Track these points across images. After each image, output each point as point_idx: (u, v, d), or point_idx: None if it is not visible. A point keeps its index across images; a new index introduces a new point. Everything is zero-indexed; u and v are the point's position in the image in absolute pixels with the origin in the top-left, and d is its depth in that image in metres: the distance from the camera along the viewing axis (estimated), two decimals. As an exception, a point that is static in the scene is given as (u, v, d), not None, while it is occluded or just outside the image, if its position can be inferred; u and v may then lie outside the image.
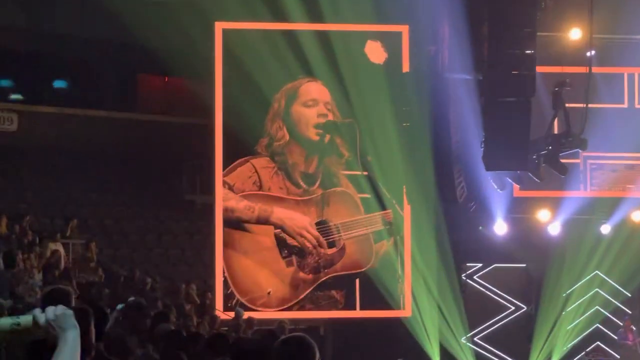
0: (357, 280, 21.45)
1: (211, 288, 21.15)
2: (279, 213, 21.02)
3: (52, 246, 20.67)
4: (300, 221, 21.13)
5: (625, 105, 23.30)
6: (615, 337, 23.75)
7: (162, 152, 25.78)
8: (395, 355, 22.21)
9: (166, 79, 27.21)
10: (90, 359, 5.31)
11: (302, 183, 21.27)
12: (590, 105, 15.36)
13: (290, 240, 21.06)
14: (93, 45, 25.81)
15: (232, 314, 19.70)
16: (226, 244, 21.00)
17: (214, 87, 21.29)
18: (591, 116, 16.11)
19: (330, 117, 21.37)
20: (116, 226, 24.66)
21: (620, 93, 23.18)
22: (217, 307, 20.23)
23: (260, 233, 21.09)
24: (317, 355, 4.75)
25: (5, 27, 24.92)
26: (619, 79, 23.12)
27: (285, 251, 21.11)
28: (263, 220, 20.95)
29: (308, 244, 21.06)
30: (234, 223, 20.96)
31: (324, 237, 21.29)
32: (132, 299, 16.13)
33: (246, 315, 19.12)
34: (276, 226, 20.98)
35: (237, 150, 21.23)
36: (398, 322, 21.73)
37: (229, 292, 20.80)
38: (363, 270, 21.42)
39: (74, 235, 22.24)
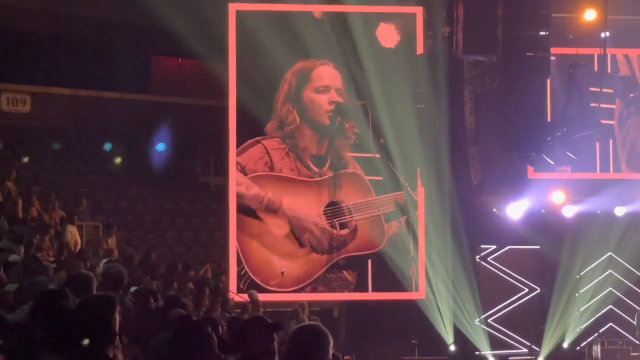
0: (370, 261, 21.36)
1: (225, 270, 21.10)
2: (288, 206, 20.95)
3: (70, 228, 20.65)
4: (308, 215, 21.05)
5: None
6: (634, 321, 23.63)
7: (176, 134, 25.70)
8: (409, 337, 22.16)
9: (180, 61, 27.07)
10: (113, 347, 5.18)
11: (312, 165, 21.20)
12: (605, 105, 15.20)
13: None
14: (107, 27, 25.73)
15: (245, 296, 19.64)
16: (239, 227, 20.94)
17: (227, 69, 21.18)
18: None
19: (342, 101, 21.23)
20: (130, 208, 24.58)
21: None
22: (230, 289, 20.16)
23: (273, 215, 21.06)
24: (331, 343, 4.63)
25: (22, 9, 24.84)
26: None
27: (297, 233, 21.06)
28: (271, 211, 20.89)
29: (312, 239, 21.04)
30: (243, 209, 20.91)
31: (335, 218, 21.21)
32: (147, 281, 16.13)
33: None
34: (284, 219, 20.94)
35: (248, 131, 21.13)
36: (412, 304, 21.64)
37: (242, 272, 20.75)
38: (375, 251, 21.33)
39: (86, 217, 22.18)
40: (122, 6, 22.56)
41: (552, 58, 16.02)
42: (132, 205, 24.71)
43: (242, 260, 20.79)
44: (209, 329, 6.39)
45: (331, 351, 4.62)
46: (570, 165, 21.07)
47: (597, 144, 21.75)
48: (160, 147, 25.64)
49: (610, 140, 22.80)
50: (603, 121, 19.76)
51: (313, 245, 21.06)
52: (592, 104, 15.28)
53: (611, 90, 21.92)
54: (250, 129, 21.08)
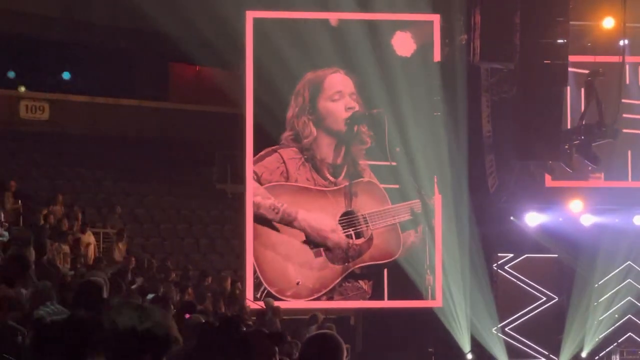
0: (385, 271, 21.35)
1: (241, 278, 21.12)
2: (303, 217, 20.95)
3: (86, 236, 20.72)
4: (323, 228, 21.06)
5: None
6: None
7: (193, 141, 25.75)
8: (426, 345, 22.12)
9: (198, 69, 27.14)
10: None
11: (328, 175, 21.19)
12: (625, 115, 15.15)
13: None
14: (126, 35, 25.83)
15: (261, 304, 19.66)
16: (255, 236, 20.97)
17: (244, 77, 21.21)
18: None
19: (357, 108, 21.23)
20: (147, 215, 24.64)
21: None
22: (247, 297, 20.19)
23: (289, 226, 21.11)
24: (345, 353, 4.63)
25: (40, 16, 24.96)
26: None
27: (312, 244, 21.08)
28: (286, 222, 20.89)
29: (331, 245, 21.04)
30: (260, 219, 20.94)
31: (351, 228, 21.20)
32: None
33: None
34: (300, 230, 20.95)
35: (265, 140, 21.16)
36: (429, 312, 21.60)
37: (257, 282, 20.79)
38: (391, 260, 21.31)
39: (106, 224, 22.26)
40: (141, 14, 22.59)
41: (573, 69, 15.99)
42: (149, 212, 24.76)
43: (257, 270, 20.81)
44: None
45: (345, 360, 4.61)
46: (603, 173, 21.01)
47: (629, 153, 21.68)
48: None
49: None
50: (627, 130, 19.70)
51: (328, 256, 21.06)
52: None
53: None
54: (266, 137, 21.11)
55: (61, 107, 25.58)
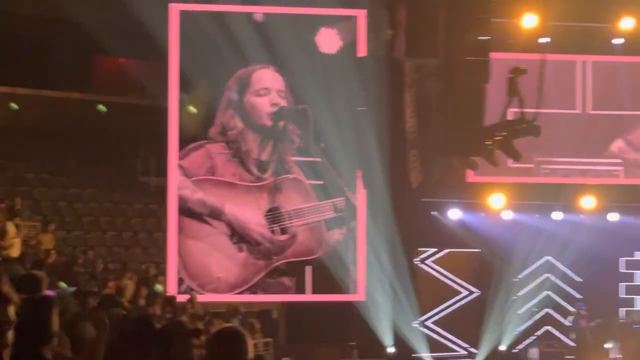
0: (309, 268, 21.39)
1: (164, 271, 20.99)
2: (230, 211, 20.93)
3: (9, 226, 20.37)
4: (250, 221, 21.05)
5: (579, 111, 23.45)
6: (569, 323, 23.89)
7: (116, 133, 25.48)
8: (348, 339, 22.18)
9: (121, 60, 26.85)
10: (50, 349, 5.14)
11: (255, 170, 21.19)
12: (542, 110, 15.30)
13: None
14: (48, 25, 25.43)
15: (186, 297, 19.57)
16: (181, 230, 20.90)
17: (169, 70, 21.06)
18: (545, 121, 16.09)
19: (284, 104, 21.24)
20: (69, 208, 24.33)
21: (573, 98, 23.36)
22: (169, 290, 20.06)
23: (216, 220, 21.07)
24: (249, 346, 4.65)
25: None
26: (572, 85, 23.31)
27: (237, 238, 21.04)
28: (214, 216, 20.87)
29: (257, 240, 21.04)
30: (187, 212, 20.86)
31: (275, 224, 21.20)
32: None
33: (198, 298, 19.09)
34: (226, 224, 20.92)
35: (191, 134, 21.08)
36: (351, 307, 21.67)
37: (179, 276, 20.74)
38: (314, 257, 21.35)
39: (25, 216, 21.91)
40: (64, 4, 22.24)
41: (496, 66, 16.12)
42: (71, 205, 24.45)
43: (180, 263, 20.75)
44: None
45: (251, 353, 4.62)
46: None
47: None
48: None
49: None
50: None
51: (252, 251, 21.05)
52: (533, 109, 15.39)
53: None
54: (194, 131, 21.05)
55: (9, 99, 25.16)
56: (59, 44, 26.26)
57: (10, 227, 20.33)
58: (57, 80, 26.36)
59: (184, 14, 21.22)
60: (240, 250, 21.03)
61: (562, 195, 23.31)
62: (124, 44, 21.50)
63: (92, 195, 24.87)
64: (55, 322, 5.12)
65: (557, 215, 23.84)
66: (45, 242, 20.88)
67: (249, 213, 21.11)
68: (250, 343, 4.68)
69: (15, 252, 19.43)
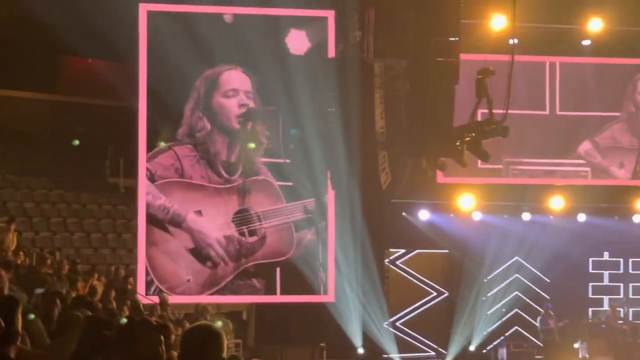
0: (278, 269, 21.38)
1: (133, 273, 20.90)
2: (192, 219, 20.95)
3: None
4: (214, 228, 21.02)
5: (547, 112, 23.60)
6: (537, 323, 24.01)
7: (85, 134, 25.31)
8: (317, 340, 22.18)
9: (89, 61, 26.67)
10: (15, 348, 5.13)
11: (223, 172, 21.19)
12: (511, 111, 15.35)
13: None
14: (15, 25, 25.20)
15: (154, 299, 19.51)
16: (147, 232, 20.87)
17: (137, 71, 20.99)
18: (513, 122, 16.13)
19: (252, 105, 21.22)
20: (37, 209, 24.14)
21: (541, 100, 23.50)
22: (139, 292, 19.98)
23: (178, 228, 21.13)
24: (224, 343, 4.61)
25: None
26: (541, 86, 23.44)
27: (195, 252, 21.12)
28: (175, 224, 20.88)
29: (214, 256, 21.01)
30: (150, 218, 20.88)
31: (244, 226, 21.19)
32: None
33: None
34: (187, 232, 20.93)
35: (159, 136, 21.05)
36: (321, 308, 21.67)
37: (148, 278, 20.71)
38: (284, 258, 21.34)
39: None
40: (31, 3, 22.06)
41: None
42: (39, 206, 24.27)
43: (148, 266, 20.73)
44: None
45: (226, 350, 4.58)
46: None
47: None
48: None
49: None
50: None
51: (215, 260, 21.04)
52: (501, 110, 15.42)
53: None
54: (161, 133, 21.03)
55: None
56: (27, 44, 26.04)
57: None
58: (24, 81, 26.14)
59: (153, 15, 21.14)
60: (204, 261, 21.09)
61: (530, 196, 23.45)
62: (92, 44, 21.33)
63: (59, 196, 24.68)
64: (19, 321, 5.11)
65: (526, 216, 23.97)
66: (9, 242, 20.66)
67: (211, 223, 21.06)
68: (224, 340, 4.65)
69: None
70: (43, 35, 24.23)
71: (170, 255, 20.90)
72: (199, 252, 20.96)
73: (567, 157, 23.80)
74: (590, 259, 25.05)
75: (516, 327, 24.41)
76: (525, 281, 24.38)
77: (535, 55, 22.60)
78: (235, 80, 21.28)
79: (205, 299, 20.69)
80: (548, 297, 24.21)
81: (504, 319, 24.31)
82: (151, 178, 20.88)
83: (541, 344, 23.78)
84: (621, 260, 25.16)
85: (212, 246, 20.99)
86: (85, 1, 21.12)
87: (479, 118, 16.28)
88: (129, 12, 20.86)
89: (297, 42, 21.27)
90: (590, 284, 25.06)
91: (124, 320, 6.64)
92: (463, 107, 15.95)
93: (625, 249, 24.96)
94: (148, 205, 20.84)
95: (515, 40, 16.98)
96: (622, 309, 24.53)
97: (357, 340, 22.06)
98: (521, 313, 24.43)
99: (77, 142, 24.63)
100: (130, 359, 5.90)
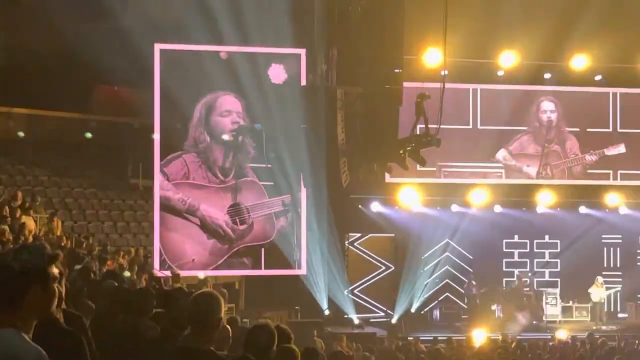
0: (263, 250, 21.38)
1: (150, 253, 20.85)
2: (204, 208, 21.01)
3: (26, 219, 19.93)
4: (217, 215, 21.05)
5: (470, 127, 23.66)
6: (463, 291, 24.04)
7: (112, 145, 25.17)
8: (294, 304, 22.14)
9: (116, 88, 26.49)
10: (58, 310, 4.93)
11: (219, 175, 21.24)
12: (442, 126, 15.34)
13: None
14: (58, 58, 24.95)
15: (167, 273, 19.41)
16: (163, 223, 20.96)
17: (153, 96, 21.00)
18: (444, 134, 16.13)
19: (242, 123, 21.28)
20: (75, 204, 23.97)
21: (466, 117, 23.58)
22: (154, 267, 19.91)
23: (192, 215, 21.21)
24: (223, 305, 4.55)
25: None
26: (466, 107, 23.49)
27: (207, 229, 21.13)
28: (191, 212, 20.92)
29: (222, 233, 21.01)
30: (169, 209, 20.89)
31: (236, 216, 21.22)
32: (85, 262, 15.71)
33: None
34: (200, 219, 20.97)
35: (171, 145, 21.14)
36: (296, 280, 21.64)
37: (162, 258, 20.73)
38: (267, 241, 21.36)
39: (40, 210, 21.51)
40: (71, 42, 21.80)
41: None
42: (76, 201, 24.10)
43: (161, 249, 20.76)
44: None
45: (223, 312, 4.53)
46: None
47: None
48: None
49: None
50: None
51: (218, 238, 21.10)
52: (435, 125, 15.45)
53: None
54: (173, 143, 21.14)
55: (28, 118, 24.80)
56: (68, 74, 25.78)
57: (29, 220, 19.94)
58: (65, 103, 25.88)
59: (165, 52, 21.11)
60: (209, 238, 21.10)
61: (458, 192, 23.50)
62: (118, 74, 21.19)
63: (92, 194, 24.51)
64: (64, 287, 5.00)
65: (454, 208, 24.01)
66: (55, 230, 20.50)
67: (215, 209, 21.20)
68: (223, 303, 4.59)
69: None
70: (81, 67, 24.06)
71: (181, 238, 20.96)
72: (211, 230, 20.98)
73: (486, 161, 23.87)
74: (504, 241, 25.13)
75: (447, 294, 24.45)
76: (454, 258, 24.43)
77: (461, 83, 22.65)
78: (229, 103, 21.25)
79: (206, 273, 20.62)
80: (471, 270, 24.28)
81: (437, 287, 24.35)
82: (168, 179, 20.99)
83: (466, 307, 23.84)
84: (527, 241, 25.25)
85: (221, 226, 21.06)
86: (113, 41, 20.97)
87: (418, 132, 16.28)
88: (146, 50, 20.77)
89: (277, 73, 21.26)
90: (504, 260, 25.13)
91: (127, 274, 6.64)
92: (405, 123, 15.95)
93: (531, 233, 25.06)
94: (169, 199, 20.90)
95: (446, 72, 17.01)
96: (527, 280, 24.62)
97: (324, 304, 22.03)
98: (451, 283, 24.48)
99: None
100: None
